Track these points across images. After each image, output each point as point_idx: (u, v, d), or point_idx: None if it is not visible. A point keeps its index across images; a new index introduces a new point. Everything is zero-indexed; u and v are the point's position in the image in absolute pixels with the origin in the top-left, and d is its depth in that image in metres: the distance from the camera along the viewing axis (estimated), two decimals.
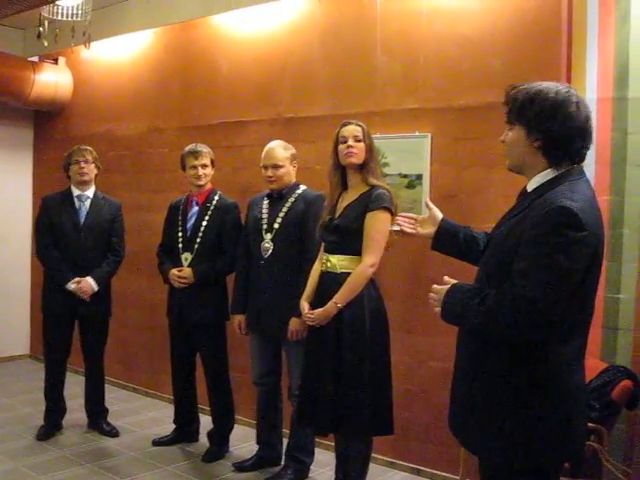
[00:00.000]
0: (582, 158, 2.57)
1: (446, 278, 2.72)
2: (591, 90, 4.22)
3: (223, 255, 5.13)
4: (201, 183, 5.19)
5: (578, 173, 2.54)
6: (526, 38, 4.48)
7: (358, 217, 4.07)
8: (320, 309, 4.15)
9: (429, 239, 3.17)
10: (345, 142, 4.15)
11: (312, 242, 4.52)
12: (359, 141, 4.16)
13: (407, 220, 3.29)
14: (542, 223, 2.38)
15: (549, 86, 2.54)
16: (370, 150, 4.16)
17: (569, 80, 4.28)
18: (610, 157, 4.21)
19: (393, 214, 4.05)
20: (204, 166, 5.17)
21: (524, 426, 2.47)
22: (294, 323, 4.54)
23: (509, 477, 2.56)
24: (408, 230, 3.24)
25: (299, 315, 4.41)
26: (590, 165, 4.17)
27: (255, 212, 4.87)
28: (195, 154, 5.15)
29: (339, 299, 4.08)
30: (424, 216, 3.27)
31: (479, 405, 2.58)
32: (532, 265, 2.38)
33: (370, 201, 4.07)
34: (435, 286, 2.72)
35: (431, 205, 3.24)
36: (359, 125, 4.19)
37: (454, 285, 2.66)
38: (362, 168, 4.17)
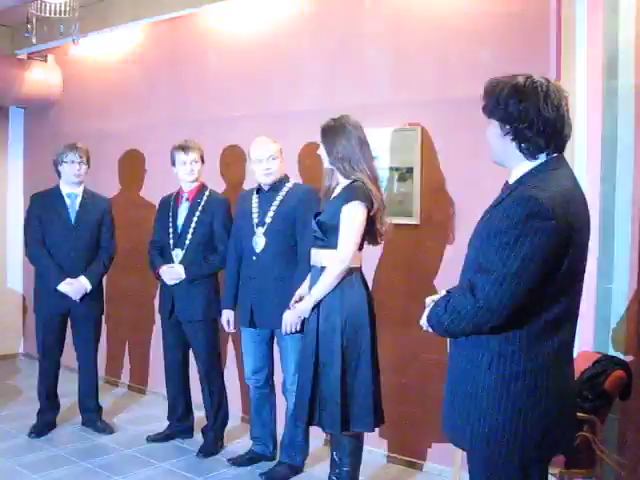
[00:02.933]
0: (560, 148, 2.58)
1: (442, 291, 2.79)
2: (581, 80, 4.21)
3: (214, 251, 5.12)
4: (191, 179, 5.17)
5: (556, 163, 2.56)
6: (515, 29, 4.48)
7: (335, 212, 4.06)
8: (300, 302, 4.23)
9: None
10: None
11: (304, 235, 4.52)
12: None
13: None
14: (510, 213, 2.41)
15: (518, 78, 2.56)
16: (330, 150, 4.14)
17: (558, 70, 4.27)
18: (600, 147, 4.20)
19: (368, 207, 4.03)
20: (194, 161, 5.15)
21: (510, 420, 2.48)
22: (287, 316, 4.53)
23: (496, 470, 2.57)
24: None
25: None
26: (580, 155, 4.18)
27: (245, 207, 4.86)
28: (185, 149, 5.13)
29: (314, 293, 4.12)
30: None
31: (466, 400, 2.60)
32: (496, 253, 2.41)
33: (344, 196, 4.07)
34: (427, 299, 2.83)
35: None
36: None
37: (440, 298, 2.73)
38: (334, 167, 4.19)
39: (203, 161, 5.22)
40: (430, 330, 2.76)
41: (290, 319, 4.45)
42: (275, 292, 4.66)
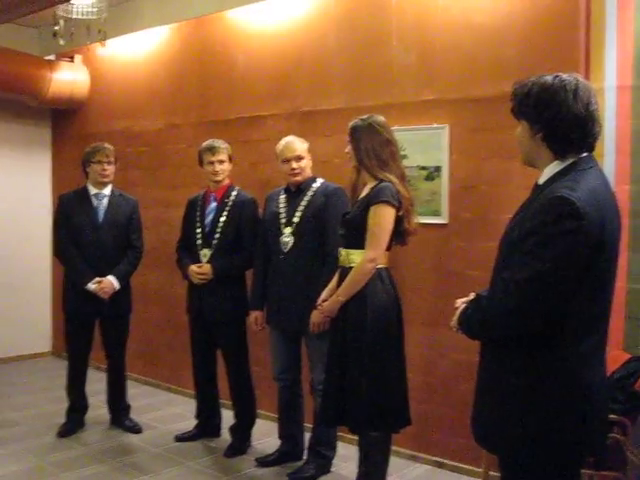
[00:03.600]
0: (590, 147, 2.55)
1: (471, 294, 2.77)
2: (610, 78, 4.17)
3: (242, 251, 5.12)
4: (218, 179, 5.18)
5: (586, 163, 2.52)
6: (543, 26, 4.44)
7: (363, 211, 4.06)
8: (327, 302, 4.23)
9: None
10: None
11: (331, 235, 4.52)
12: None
13: None
14: (540, 213, 2.39)
15: (546, 77, 2.53)
16: (358, 150, 4.13)
17: (587, 68, 4.24)
18: (630, 146, 4.16)
19: (396, 207, 4.03)
20: (221, 162, 5.16)
21: (542, 424, 2.45)
22: (314, 315, 4.54)
23: (530, 475, 2.54)
24: None
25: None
26: (610, 154, 4.14)
27: (273, 207, 4.87)
28: (212, 150, 5.14)
29: (340, 293, 4.13)
30: None
31: (497, 403, 2.57)
32: (527, 253, 2.39)
33: (372, 195, 4.06)
34: (458, 301, 2.80)
35: None
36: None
37: (470, 300, 2.73)
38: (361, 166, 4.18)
39: (231, 161, 5.23)
40: (460, 332, 2.74)
41: (317, 319, 4.45)
42: (302, 292, 4.65)
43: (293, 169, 4.73)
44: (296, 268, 4.70)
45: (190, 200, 5.42)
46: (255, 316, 4.98)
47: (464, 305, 2.73)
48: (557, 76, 2.52)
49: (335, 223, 4.45)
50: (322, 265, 4.59)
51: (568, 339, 2.45)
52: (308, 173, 4.79)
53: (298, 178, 4.76)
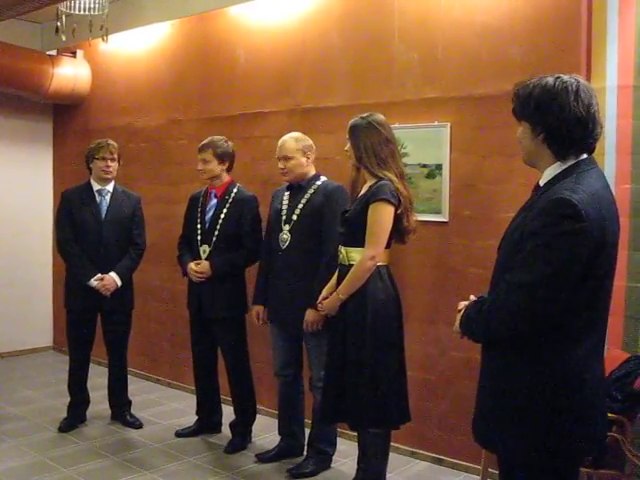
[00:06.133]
0: (590, 148, 2.57)
1: (472, 297, 2.79)
2: (611, 78, 4.18)
3: (241, 248, 5.14)
4: (204, 177, 5.24)
5: (587, 164, 2.54)
6: (545, 25, 4.45)
7: (362, 209, 4.07)
8: (328, 300, 4.24)
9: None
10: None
11: (329, 234, 4.55)
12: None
13: None
14: (542, 215, 2.41)
15: (547, 78, 2.55)
16: (357, 148, 4.14)
17: (589, 68, 4.25)
18: (631, 145, 4.16)
19: (395, 205, 4.04)
20: (205, 161, 5.17)
21: (542, 423, 2.47)
22: (309, 314, 4.56)
23: (528, 474, 2.56)
24: None
25: (315, 306, 4.46)
26: (611, 154, 4.15)
27: (276, 203, 4.89)
28: (199, 149, 5.21)
29: (341, 291, 4.14)
30: None
31: (497, 405, 2.59)
32: (530, 255, 2.42)
33: (371, 194, 4.07)
34: (460, 303, 2.81)
35: None
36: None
37: (471, 303, 2.74)
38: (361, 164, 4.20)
39: (221, 160, 5.19)
40: (464, 337, 2.76)
41: (311, 317, 4.49)
42: (299, 290, 4.67)
43: (281, 169, 4.78)
44: (292, 266, 4.73)
45: (192, 196, 5.43)
46: (257, 311, 4.99)
47: (464, 309, 2.74)
48: (558, 77, 2.53)
49: (333, 222, 4.48)
50: (318, 264, 4.60)
51: (569, 339, 2.46)
52: (301, 172, 4.78)
53: (285, 178, 4.81)
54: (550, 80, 2.53)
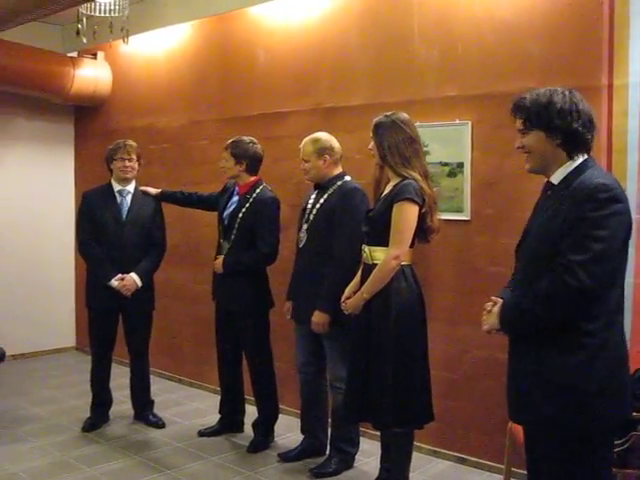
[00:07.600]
0: (591, 147, 2.84)
1: (493, 298, 2.96)
2: (635, 74, 4.13)
3: (254, 249, 5.12)
4: (226, 175, 5.29)
5: (592, 161, 2.82)
6: (566, 22, 4.42)
7: (386, 209, 4.06)
8: (351, 299, 4.23)
9: None
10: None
11: (339, 234, 4.57)
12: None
13: None
14: (584, 202, 2.62)
15: (552, 90, 2.81)
16: (381, 146, 4.13)
17: (611, 64, 4.21)
18: None
19: (419, 204, 4.03)
20: (224, 159, 5.24)
21: (574, 389, 2.66)
22: (315, 316, 4.59)
23: (565, 447, 2.71)
24: None
25: (322, 309, 4.53)
26: (633, 150, 4.10)
27: (304, 202, 4.92)
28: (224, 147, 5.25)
29: (365, 290, 4.12)
30: None
31: (534, 379, 2.75)
32: (583, 239, 2.60)
33: (395, 193, 4.06)
34: (487, 304, 2.96)
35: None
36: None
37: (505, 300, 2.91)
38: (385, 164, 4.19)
39: (238, 160, 5.19)
40: (500, 333, 2.91)
41: (318, 319, 4.55)
42: (312, 288, 4.69)
43: (303, 169, 4.82)
44: (307, 264, 4.77)
45: (225, 186, 5.49)
46: (287, 307, 5.03)
47: (499, 303, 2.89)
48: (557, 89, 2.81)
49: (343, 223, 4.52)
50: (328, 264, 4.62)
51: (613, 313, 2.72)
52: (317, 173, 4.77)
53: (306, 177, 4.86)
54: (558, 90, 2.80)
